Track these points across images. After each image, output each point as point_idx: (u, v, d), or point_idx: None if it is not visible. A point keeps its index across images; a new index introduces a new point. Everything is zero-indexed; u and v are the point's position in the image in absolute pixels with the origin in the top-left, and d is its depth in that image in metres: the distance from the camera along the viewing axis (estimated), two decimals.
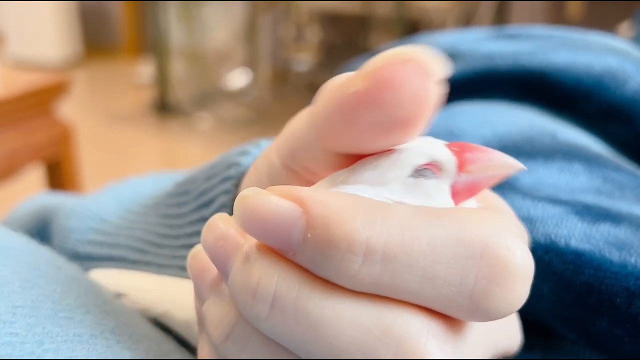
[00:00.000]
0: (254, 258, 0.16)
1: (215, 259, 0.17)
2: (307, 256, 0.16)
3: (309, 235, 0.16)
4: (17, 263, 0.23)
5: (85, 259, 0.31)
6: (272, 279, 0.16)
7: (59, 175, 1.26)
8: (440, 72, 0.16)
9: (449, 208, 0.17)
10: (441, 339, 0.16)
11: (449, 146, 0.18)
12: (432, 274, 0.16)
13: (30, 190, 1.05)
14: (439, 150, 0.18)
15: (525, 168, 0.18)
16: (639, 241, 0.23)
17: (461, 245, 0.16)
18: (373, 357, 0.16)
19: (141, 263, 0.29)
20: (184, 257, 0.27)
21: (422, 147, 0.18)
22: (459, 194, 0.18)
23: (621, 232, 0.23)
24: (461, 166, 0.18)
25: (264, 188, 0.21)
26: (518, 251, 0.16)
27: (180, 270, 0.27)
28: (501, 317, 0.17)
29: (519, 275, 0.16)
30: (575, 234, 0.24)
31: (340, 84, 0.17)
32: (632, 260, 0.22)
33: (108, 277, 0.28)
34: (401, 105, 0.16)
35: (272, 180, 0.21)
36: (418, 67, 0.16)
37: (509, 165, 0.18)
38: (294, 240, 0.16)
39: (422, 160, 0.18)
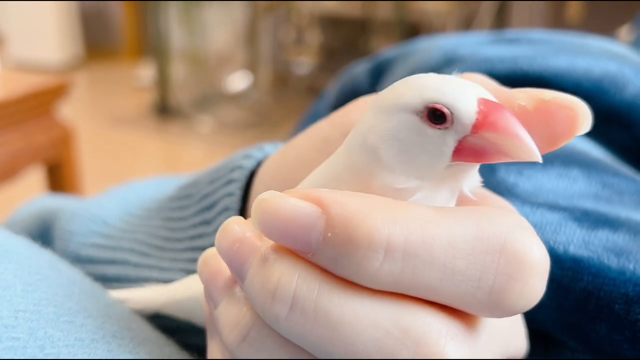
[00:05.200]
0: (273, 259, 0.17)
1: (230, 261, 0.18)
2: (327, 256, 0.16)
3: (329, 235, 0.16)
4: (20, 266, 0.23)
5: (87, 262, 0.31)
6: (292, 279, 0.16)
7: (59, 178, 1.27)
8: (584, 127, 0.18)
9: (466, 207, 0.17)
10: (459, 339, 0.17)
11: (481, 101, 0.17)
12: (452, 270, 0.16)
13: (30, 192, 1.05)
14: (464, 101, 0.17)
15: (541, 161, 0.17)
16: (638, 247, 0.23)
17: (480, 241, 0.16)
18: (392, 358, 0.16)
19: (143, 266, 0.29)
20: (187, 260, 0.28)
21: (449, 89, 0.17)
22: (461, 152, 0.17)
23: (619, 238, 0.23)
24: (478, 127, 0.17)
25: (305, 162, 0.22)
26: (535, 246, 0.17)
27: (183, 273, 0.27)
28: (519, 312, 0.17)
29: (537, 270, 0.17)
30: (574, 240, 0.24)
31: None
32: (631, 266, 0.22)
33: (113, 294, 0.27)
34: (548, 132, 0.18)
35: (329, 153, 0.21)
36: (572, 116, 0.18)
37: (527, 152, 0.16)
38: (313, 241, 0.16)
39: (434, 99, 0.17)
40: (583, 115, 0.18)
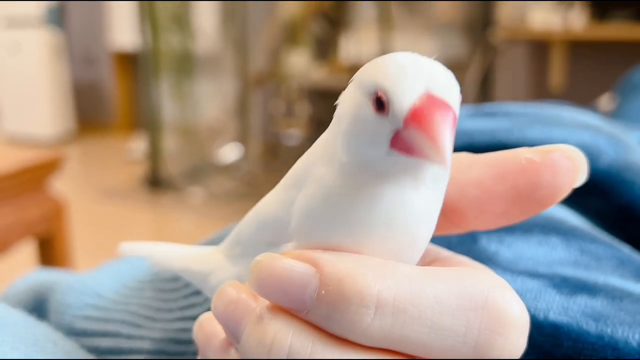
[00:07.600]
0: (268, 318, 0.17)
1: (226, 322, 0.18)
2: (320, 313, 0.17)
3: (323, 292, 0.17)
4: (17, 339, 0.24)
5: (81, 335, 0.31)
6: (287, 335, 0.17)
7: (51, 251, 1.26)
8: (582, 178, 0.19)
9: (449, 268, 0.18)
10: None
11: (424, 96, 0.16)
12: (439, 325, 0.17)
13: (21, 266, 1.05)
14: (403, 92, 0.16)
15: (449, 166, 0.16)
16: (615, 312, 0.24)
17: (464, 298, 0.17)
18: None
19: (135, 337, 0.29)
20: (178, 330, 0.28)
21: (398, 76, 0.17)
22: (396, 143, 0.17)
23: (598, 304, 0.24)
24: (408, 121, 0.16)
25: None
26: (514, 303, 0.18)
27: (174, 343, 0.28)
28: None
29: (518, 326, 0.18)
30: (554, 307, 0.24)
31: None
32: (609, 331, 0.23)
33: (138, 249, 0.26)
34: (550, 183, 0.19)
35: None
36: (573, 166, 0.19)
37: (438, 157, 0.16)
38: (307, 298, 0.17)
39: (380, 85, 0.17)
40: (580, 166, 0.19)
